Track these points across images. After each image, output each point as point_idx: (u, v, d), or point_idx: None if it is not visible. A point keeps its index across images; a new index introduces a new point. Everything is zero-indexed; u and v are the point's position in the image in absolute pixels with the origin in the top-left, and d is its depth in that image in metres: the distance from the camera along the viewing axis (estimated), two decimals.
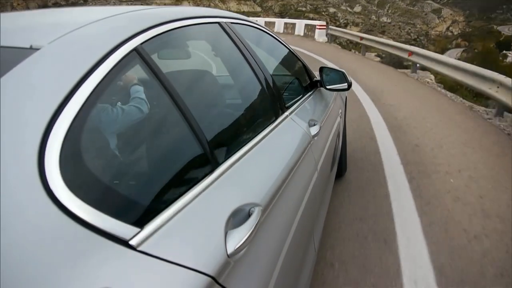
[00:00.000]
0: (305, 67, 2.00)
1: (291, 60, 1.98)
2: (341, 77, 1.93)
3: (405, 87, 6.68)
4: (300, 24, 15.98)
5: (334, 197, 2.37)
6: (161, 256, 0.57)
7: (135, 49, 0.75)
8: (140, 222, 0.59)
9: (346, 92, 2.40)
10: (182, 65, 1.31)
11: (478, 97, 6.51)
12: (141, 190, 0.70)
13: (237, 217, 0.76)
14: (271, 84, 1.37)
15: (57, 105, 0.56)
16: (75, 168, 0.56)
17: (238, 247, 0.69)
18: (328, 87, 1.95)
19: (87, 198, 0.53)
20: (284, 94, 1.64)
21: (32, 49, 0.62)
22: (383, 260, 1.91)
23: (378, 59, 11.38)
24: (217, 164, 0.84)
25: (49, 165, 0.52)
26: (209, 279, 0.61)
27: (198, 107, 0.97)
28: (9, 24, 0.81)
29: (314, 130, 1.48)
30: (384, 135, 3.85)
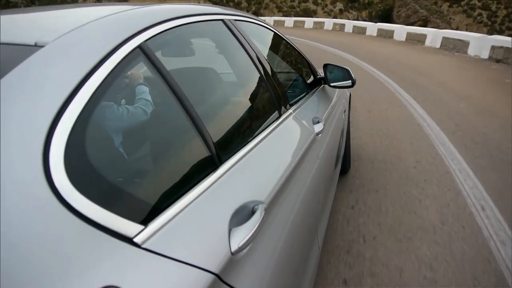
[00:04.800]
0: (308, 64, 2.00)
1: (295, 57, 1.98)
2: (345, 74, 1.92)
3: None
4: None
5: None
6: (165, 254, 0.57)
7: (139, 46, 0.75)
8: (144, 219, 0.59)
9: (350, 89, 2.39)
10: (186, 63, 1.31)
11: None
12: (145, 188, 0.70)
13: (241, 215, 0.76)
14: (275, 82, 1.37)
15: (62, 102, 0.56)
16: (80, 165, 0.56)
17: (242, 245, 0.69)
18: (332, 84, 1.94)
19: (91, 196, 0.53)
20: (288, 91, 1.63)
21: (37, 46, 0.62)
22: None
23: None
24: (220, 162, 0.84)
25: (54, 162, 0.52)
26: (213, 276, 0.61)
27: (202, 105, 0.97)
28: (14, 21, 0.81)
29: (317, 127, 1.48)
30: None
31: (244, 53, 1.26)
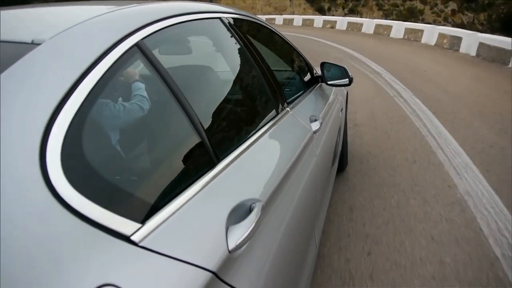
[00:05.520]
0: (306, 62, 2.00)
1: (292, 55, 1.98)
2: (343, 72, 1.93)
3: None
4: None
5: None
6: (162, 252, 0.57)
7: (136, 44, 0.75)
8: (142, 217, 0.59)
9: (347, 87, 2.40)
10: (183, 61, 1.31)
11: None
12: (143, 186, 0.70)
13: (238, 213, 0.76)
14: (272, 80, 1.37)
15: (59, 100, 0.56)
16: (76, 164, 0.56)
17: (239, 243, 0.69)
18: (329, 82, 1.95)
19: (89, 194, 0.53)
20: (285, 89, 1.63)
21: (33, 44, 0.62)
22: None
23: None
24: (218, 160, 0.84)
25: (51, 161, 0.52)
26: (210, 274, 0.61)
27: (199, 103, 0.97)
28: (11, 19, 0.81)
29: (315, 125, 1.48)
30: None
31: (242, 51, 1.26)
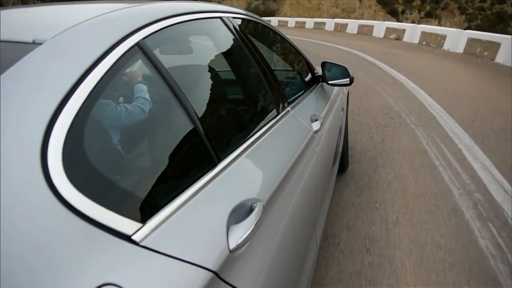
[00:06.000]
0: (307, 62, 2.00)
1: (293, 55, 1.98)
2: (343, 72, 1.93)
3: None
4: None
5: None
6: (163, 251, 0.57)
7: (137, 44, 0.75)
8: (143, 217, 0.60)
9: (348, 87, 2.40)
10: (184, 60, 1.31)
11: None
12: (144, 185, 0.70)
13: (239, 213, 0.76)
14: (273, 79, 1.37)
15: (60, 100, 0.56)
16: (77, 163, 0.56)
17: (240, 242, 0.69)
18: (330, 82, 1.94)
19: (90, 193, 0.53)
20: (286, 89, 1.63)
21: (35, 44, 0.62)
22: None
23: None
24: (218, 160, 0.84)
25: (52, 160, 0.52)
26: (211, 274, 0.61)
27: (200, 102, 0.97)
28: (12, 19, 0.81)
29: (315, 125, 1.48)
30: None
31: (242, 51, 1.26)
